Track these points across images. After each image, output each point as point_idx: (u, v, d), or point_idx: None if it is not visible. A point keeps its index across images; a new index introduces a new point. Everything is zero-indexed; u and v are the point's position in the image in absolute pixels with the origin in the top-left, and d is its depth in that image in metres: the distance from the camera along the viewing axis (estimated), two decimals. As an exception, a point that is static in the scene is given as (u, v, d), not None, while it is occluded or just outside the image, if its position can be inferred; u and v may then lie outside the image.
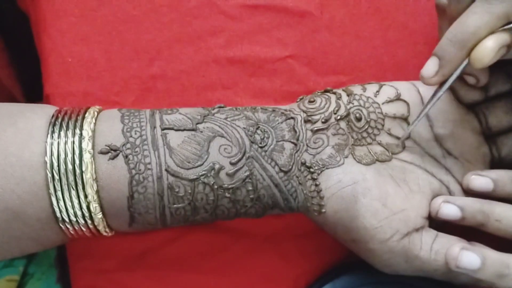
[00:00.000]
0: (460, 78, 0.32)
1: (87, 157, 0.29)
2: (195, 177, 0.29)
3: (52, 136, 0.29)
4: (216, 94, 0.39)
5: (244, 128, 0.31)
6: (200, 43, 0.39)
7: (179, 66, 0.39)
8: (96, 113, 0.31)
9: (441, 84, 0.31)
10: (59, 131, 0.29)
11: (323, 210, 0.31)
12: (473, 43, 0.29)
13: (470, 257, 0.29)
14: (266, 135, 0.31)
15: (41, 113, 0.30)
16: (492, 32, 0.28)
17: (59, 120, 0.30)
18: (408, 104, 0.33)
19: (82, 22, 0.39)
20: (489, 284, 0.30)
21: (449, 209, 0.32)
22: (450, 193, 0.33)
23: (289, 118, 0.33)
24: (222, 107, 0.33)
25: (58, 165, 0.28)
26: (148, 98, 0.39)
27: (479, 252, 0.30)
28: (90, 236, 0.31)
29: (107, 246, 0.38)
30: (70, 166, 0.28)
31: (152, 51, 0.39)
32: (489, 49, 0.28)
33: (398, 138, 0.33)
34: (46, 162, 0.28)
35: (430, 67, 0.31)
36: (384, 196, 0.31)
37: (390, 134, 0.33)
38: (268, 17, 0.39)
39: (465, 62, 0.30)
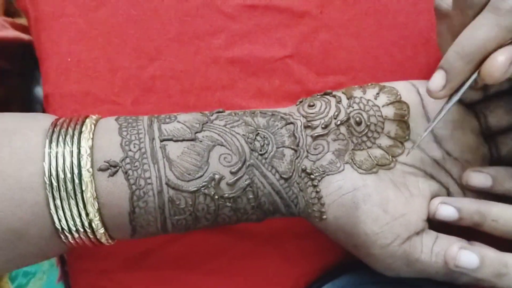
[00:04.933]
0: None
1: (86, 176, 0.28)
2: (195, 188, 0.29)
3: (50, 155, 0.29)
4: (215, 94, 0.39)
5: (243, 135, 0.31)
6: (199, 43, 0.39)
7: (178, 66, 0.39)
8: (93, 126, 0.30)
9: (449, 96, 0.30)
10: (57, 147, 0.29)
11: (324, 217, 0.31)
12: (482, 56, 0.28)
13: (468, 256, 0.30)
14: (266, 141, 0.31)
15: (37, 128, 0.30)
16: (501, 46, 0.27)
17: (56, 135, 0.29)
18: (408, 106, 0.33)
19: (82, 22, 0.39)
20: (490, 284, 0.30)
21: (446, 210, 0.32)
22: (449, 194, 0.34)
23: (288, 123, 0.32)
24: (221, 112, 0.33)
25: (58, 185, 0.28)
26: (148, 98, 0.38)
27: (477, 251, 0.30)
28: (91, 246, 0.31)
29: (107, 246, 0.38)
30: (70, 186, 0.28)
31: (151, 51, 0.39)
32: (500, 64, 0.27)
33: (398, 140, 0.33)
34: (46, 183, 0.28)
35: (437, 80, 0.29)
36: (384, 202, 0.31)
37: (390, 137, 0.33)
38: (267, 17, 0.39)
39: (474, 75, 0.29)
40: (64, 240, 0.29)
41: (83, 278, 0.39)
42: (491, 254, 0.30)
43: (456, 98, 0.30)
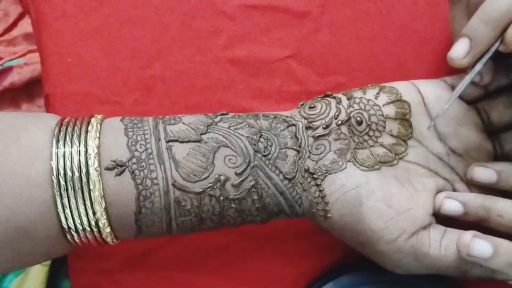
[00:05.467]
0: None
1: (94, 175, 0.28)
2: (201, 190, 0.30)
3: (57, 154, 0.29)
4: (216, 95, 0.39)
5: (247, 137, 0.31)
6: (199, 44, 0.39)
7: (178, 66, 0.39)
8: (99, 126, 0.31)
9: (471, 67, 0.30)
10: (64, 147, 0.29)
11: (329, 215, 0.31)
12: (506, 23, 0.28)
13: (482, 244, 0.29)
14: (269, 143, 0.32)
15: (44, 126, 0.30)
16: None
17: (63, 134, 0.30)
18: (409, 104, 0.33)
19: (82, 22, 0.39)
20: (503, 276, 0.30)
21: (452, 205, 0.32)
22: (455, 190, 0.34)
23: (290, 125, 0.33)
24: (225, 115, 0.33)
25: (66, 184, 0.28)
26: (148, 99, 0.39)
27: (490, 240, 0.30)
28: (96, 245, 0.31)
29: (107, 246, 0.38)
30: (77, 185, 0.28)
31: (151, 51, 0.39)
32: None
33: (400, 139, 0.33)
34: (54, 182, 0.28)
35: (461, 47, 0.29)
36: (388, 197, 0.31)
37: (392, 136, 0.33)
38: (267, 17, 0.39)
39: (497, 44, 0.29)
40: (70, 240, 0.30)
41: (83, 278, 0.38)
42: (505, 243, 0.30)
43: (479, 66, 0.29)
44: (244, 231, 0.38)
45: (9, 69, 0.55)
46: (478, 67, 0.29)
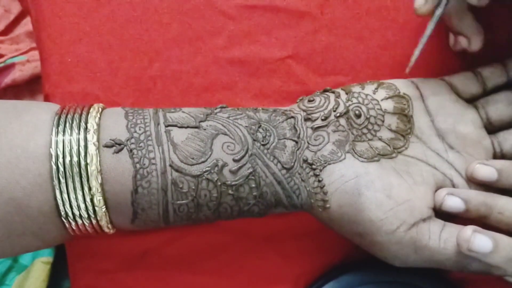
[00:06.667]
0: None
1: (92, 149, 0.29)
2: (198, 173, 0.30)
3: (58, 129, 0.29)
4: (216, 95, 0.39)
5: (246, 126, 0.32)
6: (199, 44, 0.39)
7: (178, 67, 0.39)
8: (100, 109, 0.31)
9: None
10: (64, 124, 0.29)
11: (328, 206, 0.31)
12: None
13: (482, 239, 0.29)
14: (268, 133, 0.32)
15: (47, 108, 0.31)
16: None
17: (64, 114, 0.30)
18: (407, 100, 0.34)
19: (82, 22, 0.39)
20: (501, 271, 0.30)
21: (453, 202, 0.32)
22: (454, 186, 0.33)
23: (289, 118, 0.33)
24: (225, 107, 0.33)
25: (63, 157, 0.28)
26: (148, 99, 0.39)
27: (491, 235, 0.30)
28: (92, 233, 0.31)
29: (107, 246, 0.38)
30: (75, 158, 0.28)
31: (151, 51, 0.39)
32: None
33: (399, 133, 0.33)
34: (51, 154, 0.28)
35: None
36: (387, 188, 0.31)
37: (391, 130, 0.33)
38: (267, 17, 0.39)
39: None
40: (64, 220, 0.29)
41: (83, 278, 0.38)
42: (505, 239, 0.30)
43: (439, 10, 0.32)
44: (244, 231, 0.38)
45: (11, 66, 0.56)
46: (439, 11, 0.32)
